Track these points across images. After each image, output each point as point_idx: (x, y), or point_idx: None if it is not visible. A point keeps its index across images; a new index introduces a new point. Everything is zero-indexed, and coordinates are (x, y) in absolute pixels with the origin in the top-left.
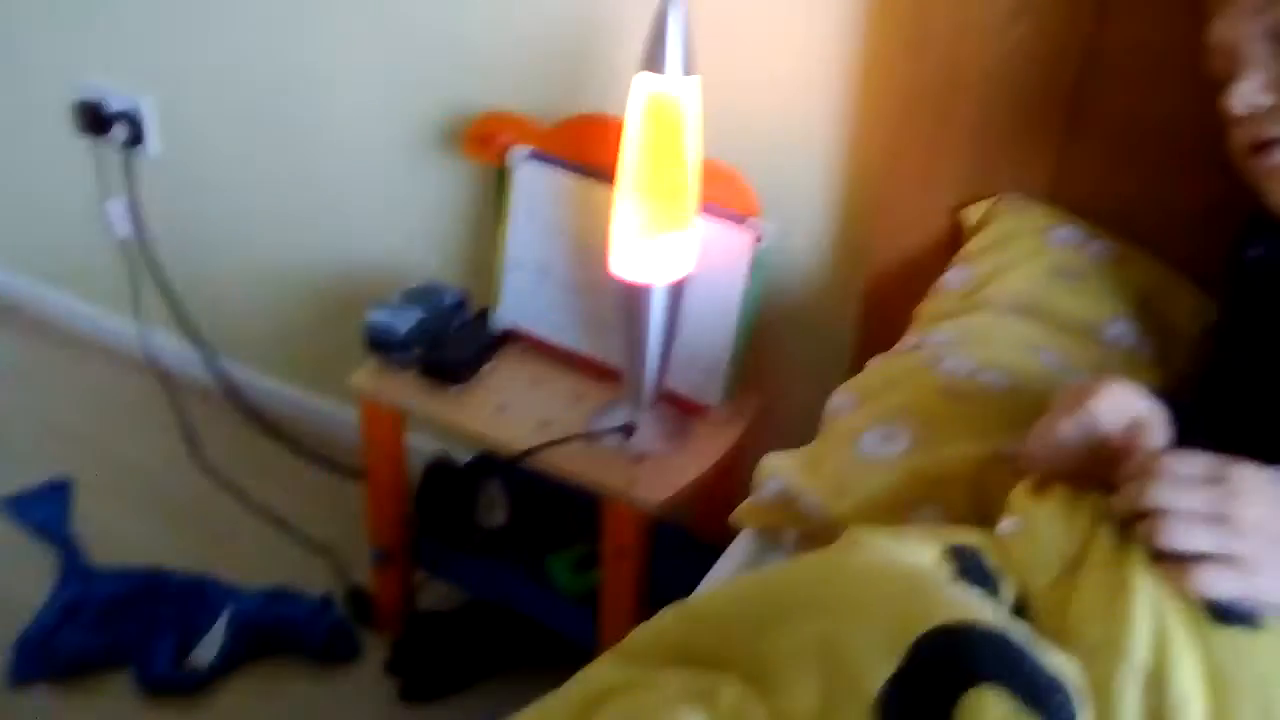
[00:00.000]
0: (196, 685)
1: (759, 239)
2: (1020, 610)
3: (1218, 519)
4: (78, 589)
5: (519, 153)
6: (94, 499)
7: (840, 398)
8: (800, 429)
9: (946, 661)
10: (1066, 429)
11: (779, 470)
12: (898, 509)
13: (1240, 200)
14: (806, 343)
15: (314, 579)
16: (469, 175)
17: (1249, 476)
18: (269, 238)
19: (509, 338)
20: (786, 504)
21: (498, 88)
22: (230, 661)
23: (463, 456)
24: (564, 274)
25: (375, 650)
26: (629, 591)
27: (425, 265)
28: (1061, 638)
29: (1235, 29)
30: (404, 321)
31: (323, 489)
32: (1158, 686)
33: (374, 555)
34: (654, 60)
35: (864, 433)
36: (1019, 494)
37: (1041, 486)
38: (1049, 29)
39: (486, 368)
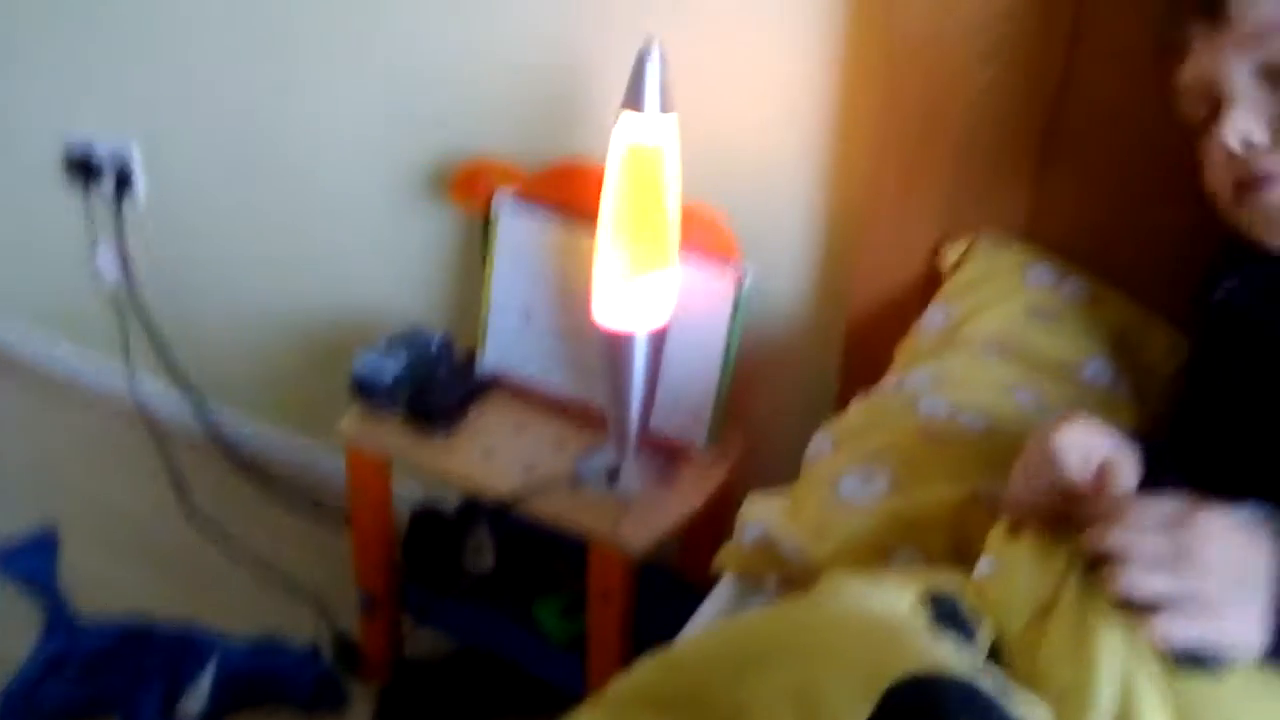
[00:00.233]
0: None
1: (741, 281)
2: (996, 654)
3: (1177, 561)
4: (63, 642)
5: (503, 199)
6: (81, 545)
7: (821, 440)
8: (785, 469)
9: (916, 710)
10: (1033, 471)
11: (760, 515)
12: (877, 551)
13: (1211, 230)
14: (790, 383)
15: (302, 626)
16: (455, 221)
17: (1214, 518)
18: (257, 283)
19: (494, 382)
20: (767, 548)
21: (483, 133)
22: (218, 712)
23: (450, 501)
24: (548, 318)
25: (362, 699)
26: (615, 636)
27: (411, 310)
28: (1033, 681)
29: (1218, 66)
30: (390, 367)
31: (310, 535)
32: None
33: (361, 600)
34: (634, 104)
35: (843, 475)
36: (995, 536)
37: (1017, 528)
38: (1020, 70)
39: (472, 413)
